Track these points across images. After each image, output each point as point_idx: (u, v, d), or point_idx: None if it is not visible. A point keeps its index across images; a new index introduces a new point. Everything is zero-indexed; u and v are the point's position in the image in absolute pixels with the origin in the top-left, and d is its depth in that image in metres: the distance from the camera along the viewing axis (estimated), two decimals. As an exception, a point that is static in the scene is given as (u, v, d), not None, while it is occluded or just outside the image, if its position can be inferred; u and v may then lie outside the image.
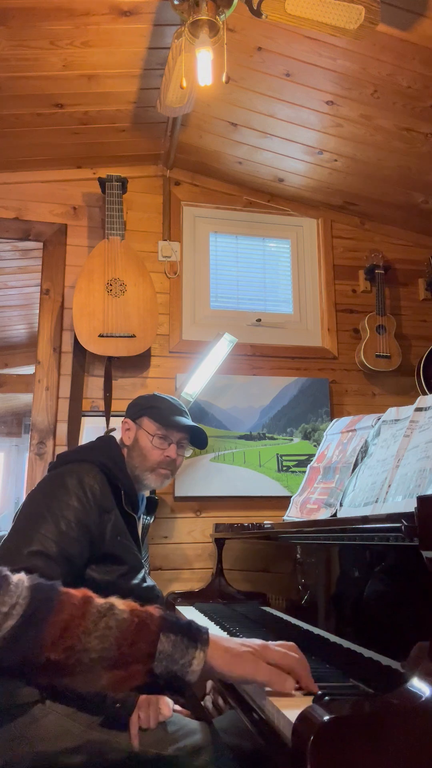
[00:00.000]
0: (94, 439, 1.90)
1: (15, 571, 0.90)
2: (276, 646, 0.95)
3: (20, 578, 0.88)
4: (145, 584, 1.61)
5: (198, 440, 1.85)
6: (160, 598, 1.70)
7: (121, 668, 0.84)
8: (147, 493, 1.92)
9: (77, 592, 0.89)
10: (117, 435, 1.84)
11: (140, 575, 1.60)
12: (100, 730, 1.28)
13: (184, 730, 1.35)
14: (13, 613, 0.83)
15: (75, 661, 0.83)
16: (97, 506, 1.53)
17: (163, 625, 0.88)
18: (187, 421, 1.80)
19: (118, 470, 1.65)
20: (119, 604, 0.89)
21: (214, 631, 1.53)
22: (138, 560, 1.61)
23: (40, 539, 1.39)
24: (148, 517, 1.92)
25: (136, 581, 1.57)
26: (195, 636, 0.88)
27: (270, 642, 0.95)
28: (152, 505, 1.94)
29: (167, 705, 1.38)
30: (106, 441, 1.80)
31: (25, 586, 0.87)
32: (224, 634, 1.47)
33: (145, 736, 1.29)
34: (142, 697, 1.34)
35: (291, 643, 0.97)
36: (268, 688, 0.93)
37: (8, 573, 0.88)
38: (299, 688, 0.93)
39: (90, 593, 0.90)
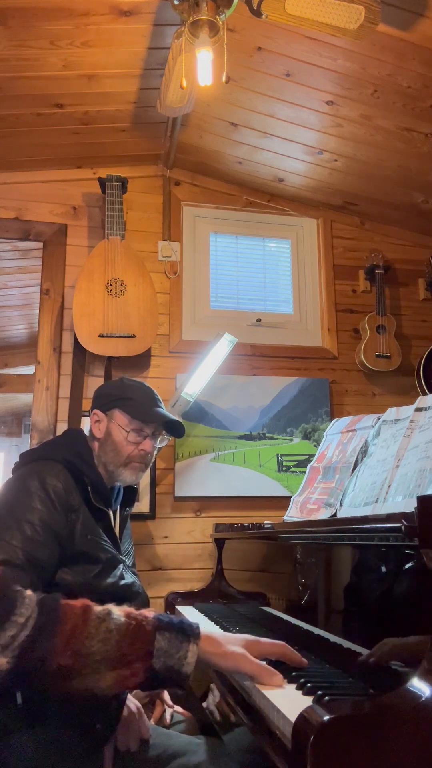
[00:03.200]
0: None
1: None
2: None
3: (29, 593, 0.96)
4: (123, 581, 1.53)
5: (175, 430, 1.75)
6: (141, 594, 1.62)
7: (123, 667, 0.92)
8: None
9: (77, 602, 0.97)
10: (86, 426, 1.74)
11: (117, 572, 1.53)
12: (78, 759, 1.22)
13: (171, 750, 1.29)
14: (27, 625, 0.91)
15: (82, 665, 0.91)
16: (62, 506, 1.45)
17: (157, 625, 0.96)
18: (163, 412, 1.70)
19: (84, 465, 1.56)
20: (115, 609, 0.97)
21: (215, 631, 1.53)
22: (113, 557, 1.53)
23: (5, 548, 1.32)
24: (128, 509, 1.80)
25: (112, 579, 1.49)
26: (187, 631, 0.97)
27: (256, 639, 1.05)
28: (131, 495, 1.81)
29: (146, 726, 1.34)
30: (71, 435, 1.71)
31: (34, 601, 0.95)
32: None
33: (126, 762, 1.24)
34: (122, 718, 1.30)
35: (281, 643, 1.07)
36: (264, 687, 0.97)
37: (20, 588, 0.96)
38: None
39: (88, 602, 0.98)
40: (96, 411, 1.70)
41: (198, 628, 0.99)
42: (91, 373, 2.67)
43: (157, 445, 1.73)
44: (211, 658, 0.98)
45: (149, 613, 0.99)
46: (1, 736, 1.22)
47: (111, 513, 1.63)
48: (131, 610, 0.98)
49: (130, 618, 0.96)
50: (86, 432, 1.74)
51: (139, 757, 1.29)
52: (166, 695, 1.59)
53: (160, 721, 1.54)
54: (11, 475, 1.57)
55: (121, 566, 1.55)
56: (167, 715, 1.56)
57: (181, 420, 1.78)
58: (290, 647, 1.06)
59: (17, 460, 1.62)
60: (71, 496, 1.49)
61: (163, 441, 1.78)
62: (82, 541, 1.46)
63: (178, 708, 1.60)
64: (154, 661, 0.93)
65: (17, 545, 1.33)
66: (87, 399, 2.63)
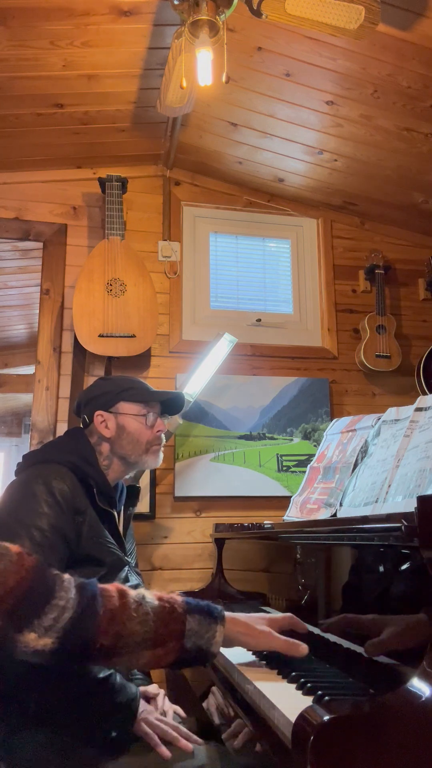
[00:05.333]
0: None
1: None
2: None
3: (68, 577, 1.02)
4: (128, 584, 1.52)
5: (175, 405, 1.80)
6: None
7: (159, 646, 1.00)
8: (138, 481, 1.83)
9: (111, 587, 1.03)
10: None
11: (122, 574, 1.52)
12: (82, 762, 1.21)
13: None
14: (68, 607, 0.97)
15: (123, 644, 0.98)
16: (70, 509, 1.44)
17: (187, 608, 1.04)
18: (164, 391, 1.78)
19: (88, 467, 1.55)
20: (147, 593, 1.05)
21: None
22: (118, 559, 1.52)
23: None
24: (131, 508, 1.80)
25: (117, 582, 1.44)
26: (214, 613, 1.06)
27: (270, 615, 1.14)
28: (135, 495, 1.81)
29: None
30: (74, 435, 1.70)
31: (73, 585, 1.00)
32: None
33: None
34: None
35: (288, 614, 1.19)
36: (264, 687, 0.98)
37: (58, 572, 1.02)
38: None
39: (123, 587, 1.04)
40: (99, 412, 1.69)
41: (222, 611, 1.07)
42: (91, 373, 2.67)
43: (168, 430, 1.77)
44: (242, 638, 1.07)
45: (177, 597, 1.06)
46: (9, 733, 1.22)
47: (116, 514, 1.63)
48: (162, 593, 1.05)
49: (162, 601, 1.03)
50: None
51: (136, 763, 1.28)
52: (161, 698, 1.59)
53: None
54: (14, 477, 1.55)
55: (126, 568, 1.55)
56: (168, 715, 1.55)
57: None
58: (296, 617, 1.17)
59: (20, 461, 1.61)
60: (78, 498, 1.48)
61: (171, 425, 1.82)
62: (88, 544, 1.45)
63: (175, 708, 1.59)
64: (185, 641, 1.01)
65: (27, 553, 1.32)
66: (87, 399, 2.63)
